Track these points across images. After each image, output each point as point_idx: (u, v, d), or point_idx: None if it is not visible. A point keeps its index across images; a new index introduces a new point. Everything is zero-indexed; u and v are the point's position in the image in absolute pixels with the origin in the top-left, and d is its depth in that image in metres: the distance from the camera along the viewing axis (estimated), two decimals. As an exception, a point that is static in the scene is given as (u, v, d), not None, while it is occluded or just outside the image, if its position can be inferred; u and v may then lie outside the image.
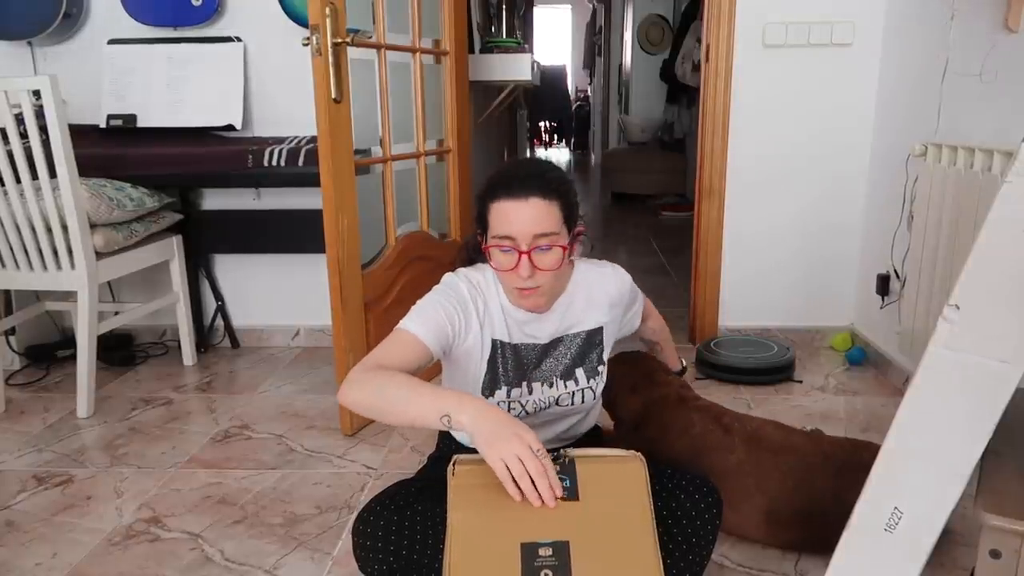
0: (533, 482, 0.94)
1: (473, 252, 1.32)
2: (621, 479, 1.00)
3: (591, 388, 1.33)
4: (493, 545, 0.91)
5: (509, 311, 1.27)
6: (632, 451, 1.05)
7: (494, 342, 1.27)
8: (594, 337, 1.33)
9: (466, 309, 1.23)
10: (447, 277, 1.28)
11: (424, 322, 1.18)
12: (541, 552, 0.89)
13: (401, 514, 1.11)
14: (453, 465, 1.01)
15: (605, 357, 1.36)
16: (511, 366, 1.28)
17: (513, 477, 0.94)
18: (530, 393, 1.29)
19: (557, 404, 1.32)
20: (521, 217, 1.13)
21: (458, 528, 0.94)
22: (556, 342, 1.31)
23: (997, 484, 0.94)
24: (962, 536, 1.52)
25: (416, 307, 1.22)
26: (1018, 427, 1.05)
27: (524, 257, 1.14)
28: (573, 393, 1.32)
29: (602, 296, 1.34)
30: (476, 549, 0.91)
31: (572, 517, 0.94)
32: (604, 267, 1.37)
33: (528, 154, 8.95)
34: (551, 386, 1.30)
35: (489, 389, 1.27)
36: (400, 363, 1.13)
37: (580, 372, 1.32)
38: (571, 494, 0.96)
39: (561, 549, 0.90)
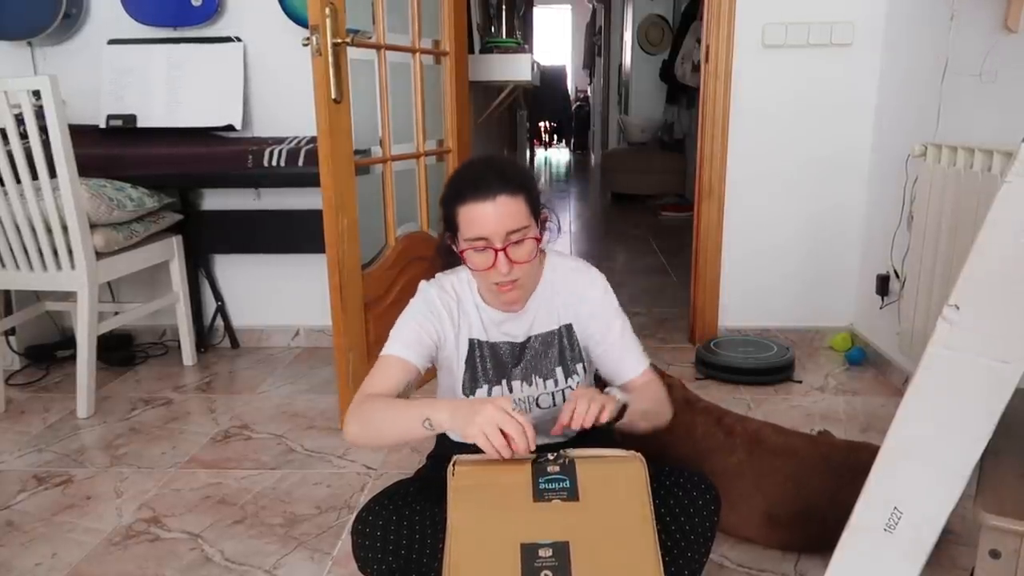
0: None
1: (446, 255, 1.31)
2: (621, 480, 1.00)
3: (571, 388, 1.33)
4: (493, 545, 0.91)
5: (484, 310, 1.29)
6: (632, 451, 1.04)
7: (471, 341, 1.29)
8: (568, 335, 1.33)
9: (439, 316, 1.26)
10: (421, 285, 1.31)
11: (403, 342, 1.23)
12: (541, 553, 0.89)
13: (400, 513, 1.12)
14: (453, 466, 1.01)
15: (584, 356, 1.34)
16: (490, 364, 1.29)
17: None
18: (511, 391, 1.30)
19: (537, 405, 1.31)
20: (492, 217, 1.15)
21: (458, 528, 0.94)
22: (532, 340, 1.31)
23: (997, 484, 0.94)
24: (962, 536, 1.52)
25: (393, 330, 1.26)
26: (1018, 427, 1.05)
27: (500, 254, 1.16)
28: (552, 393, 1.31)
29: (572, 292, 1.32)
30: (476, 549, 0.91)
31: (572, 518, 0.94)
32: (579, 264, 1.35)
33: (528, 154, 8.95)
34: (530, 384, 1.31)
35: (470, 388, 1.29)
36: (389, 388, 1.18)
37: (559, 371, 1.32)
38: (571, 495, 0.96)
39: (561, 550, 0.90)
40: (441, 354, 1.28)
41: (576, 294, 1.31)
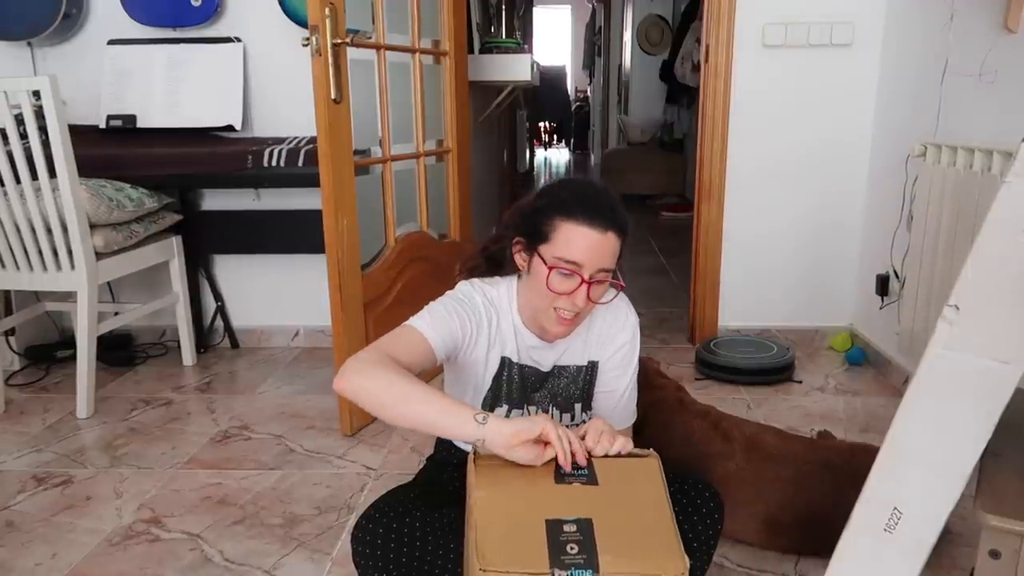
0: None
1: (496, 263, 1.28)
2: (637, 471, 1.02)
3: (585, 422, 1.32)
4: (518, 521, 0.93)
5: (520, 332, 1.26)
6: (647, 449, 1.06)
7: (503, 360, 1.25)
8: (592, 372, 1.31)
9: (479, 321, 1.21)
10: (463, 286, 1.25)
11: (435, 324, 1.15)
12: (566, 528, 0.91)
13: (400, 521, 1.10)
14: (475, 452, 1.02)
15: None
16: (516, 386, 1.27)
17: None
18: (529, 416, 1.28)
19: None
20: (596, 247, 1.11)
21: (482, 505, 0.95)
22: (557, 371, 1.29)
23: (997, 484, 0.94)
24: (962, 536, 1.52)
25: (428, 307, 1.19)
26: (1018, 427, 1.05)
27: (584, 286, 1.12)
28: (568, 426, 1.29)
29: (607, 328, 1.30)
30: (502, 525, 0.92)
31: (593, 499, 0.96)
32: (619, 299, 1.32)
33: (528, 154, 8.92)
34: (548, 413, 1.29)
35: (490, 405, 1.26)
36: (406, 360, 1.09)
37: (578, 407, 1.31)
38: (590, 480, 0.99)
39: (585, 525, 0.92)
40: (466, 357, 1.22)
41: (608, 332, 1.30)
